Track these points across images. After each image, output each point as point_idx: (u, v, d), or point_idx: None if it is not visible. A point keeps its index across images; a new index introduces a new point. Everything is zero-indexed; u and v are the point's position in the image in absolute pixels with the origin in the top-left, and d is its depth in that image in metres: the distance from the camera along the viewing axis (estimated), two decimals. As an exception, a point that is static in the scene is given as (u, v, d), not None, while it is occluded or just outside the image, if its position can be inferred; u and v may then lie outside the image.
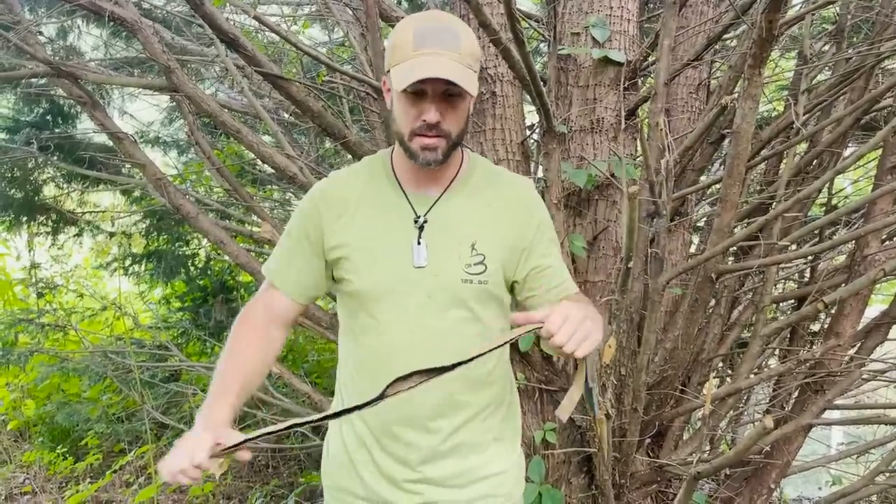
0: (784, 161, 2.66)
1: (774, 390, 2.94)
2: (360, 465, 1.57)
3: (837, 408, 2.46)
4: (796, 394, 2.64)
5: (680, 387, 2.73)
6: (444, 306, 1.49)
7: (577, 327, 1.19)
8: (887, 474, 2.53)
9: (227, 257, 3.73)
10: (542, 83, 2.19)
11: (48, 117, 4.81)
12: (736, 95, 2.14)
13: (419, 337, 1.49)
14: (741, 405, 3.32)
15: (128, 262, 5.20)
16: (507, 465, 1.62)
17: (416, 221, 1.50)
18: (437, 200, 1.52)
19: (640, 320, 2.46)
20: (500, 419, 1.62)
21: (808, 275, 3.24)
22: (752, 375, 2.41)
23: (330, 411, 1.44)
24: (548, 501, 2.35)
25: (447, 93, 1.36)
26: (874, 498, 3.51)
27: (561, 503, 2.34)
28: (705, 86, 3.19)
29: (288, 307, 1.57)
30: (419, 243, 1.48)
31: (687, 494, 2.19)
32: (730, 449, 2.72)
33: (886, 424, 2.39)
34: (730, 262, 2.91)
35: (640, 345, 2.24)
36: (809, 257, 3.10)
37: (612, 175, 2.72)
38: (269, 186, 5.23)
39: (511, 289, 1.58)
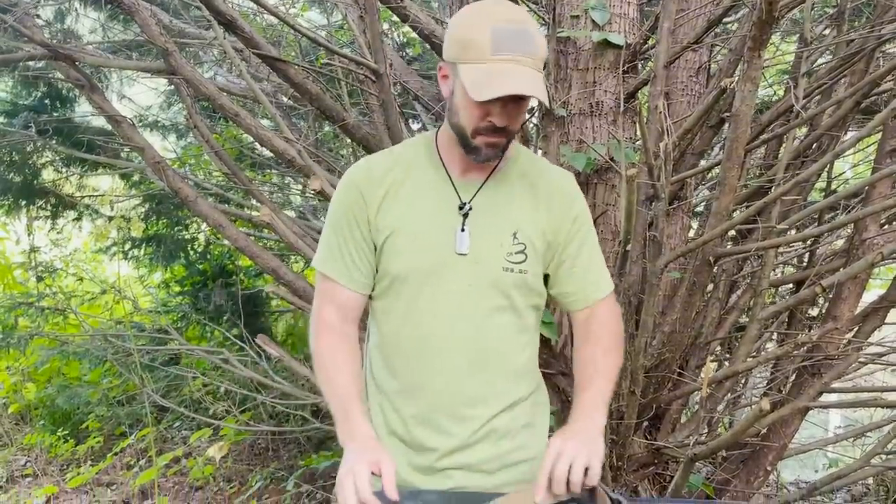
0: (783, 145, 2.66)
1: (772, 374, 2.95)
2: (390, 451, 1.52)
3: (835, 391, 2.47)
4: (793, 377, 2.65)
5: (678, 370, 2.74)
6: (484, 294, 1.49)
7: (568, 471, 1.27)
8: (884, 457, 2.55)
9: (226, 241, 3.73)
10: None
11: (46, 101, 4.79)
12: (736, 78, 2.13)
13: (455, 324, 1.49)
14: (739, 388, 3.33)
15: (127, 247, 5.21)
16: (536, 452, 1.61)
17: (461, 208, 1.49)
18: (480, 187, 1.51)
19: (638, 304, 2.46)
20: (530, 406, 1.62)
21: (807, 259, 3.24)
22: (749, 359, 2.42)
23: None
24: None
25: (517, 95, 1.35)
26: (870, 480, 3.53)
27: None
28: (705, 69, 3.17)
29: (356, 301, 1.55)
30: (463, 230, 1.48)
31: (684, 476, 2.21)
32: (727, 432, 2.73)
33: (882, 407, 2.41)
34: (728, 246, 2.92)
35: (638, 328, 2.25)
36: (808, 242, 3.10)
37: (611, 159, 2.72)
38: (269, 171, 5.22)
39: (545, 281, 1.58)
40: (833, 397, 3.20)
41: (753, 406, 2.23)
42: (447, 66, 1.43)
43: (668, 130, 2.00)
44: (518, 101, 1.38)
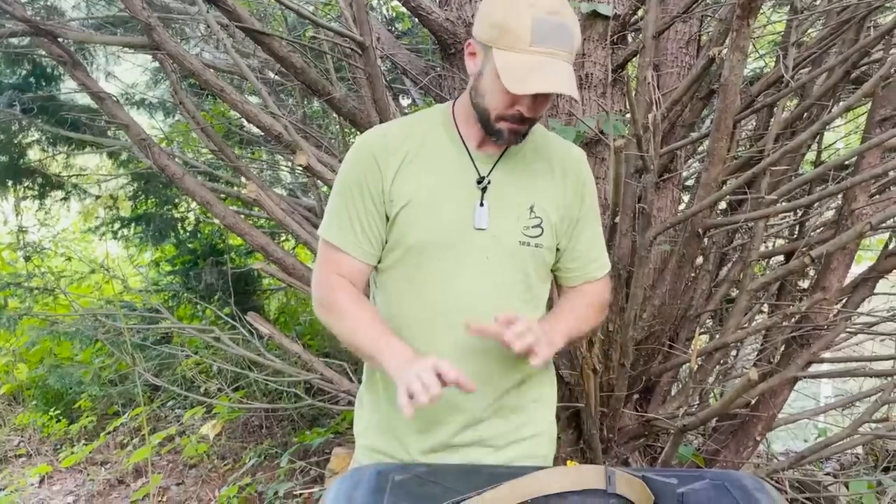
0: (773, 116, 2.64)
1: (763, 345, 2.96)
2: (401, 430, 1.55)
3: (824, 361, 2.48)
4: (783, 348, 2.66)
5: (668, 342, 2.75)
6: (500, 269, 1.48)
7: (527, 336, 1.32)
8: (873, 426, 2.56)
9: (216, 220, 3.71)
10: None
11: (31, 79, 4.72)
12: (724, 48, 2.11)
13: (469, 298, 1.48)
14: (732, 360, 3.35)
15: (116, 226, 5.17)
16: (544, 427, 1.63)
17: (479, 182, 1.48)
18: (497, 161, 1.50)
19: (627, 276, 2.46)
20: (538, 381, 1.63)
21: (797, 231, 3.24)
22: (739, 330, 2.42)
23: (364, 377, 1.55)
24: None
25: None
26: (860, 449, 3.57)
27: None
28: (696, 40, 3.15)
29: (359, 270, 1.52)
30: (482, 205, 1.47)
31: (673, 447, 2.23)
32: (717, 402, 2.74)
33: (869, 377, 2.42)
34: (719, 219, 2.91)
35: (628, 300, 2.25)
36: (799, 214, 3.10)
37: (601, 132, 2.70)
38: (258, 148, 5.18)
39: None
40: (825, 368, 3.23)
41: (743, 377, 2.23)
42: (477, 46, 1.41)
43: (656, 102, 1.98)
44: (548, 93, 1.37)
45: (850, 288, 2.77)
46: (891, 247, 2.73)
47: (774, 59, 3.11)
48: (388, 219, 1.48)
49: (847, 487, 2.95)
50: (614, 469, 1.32)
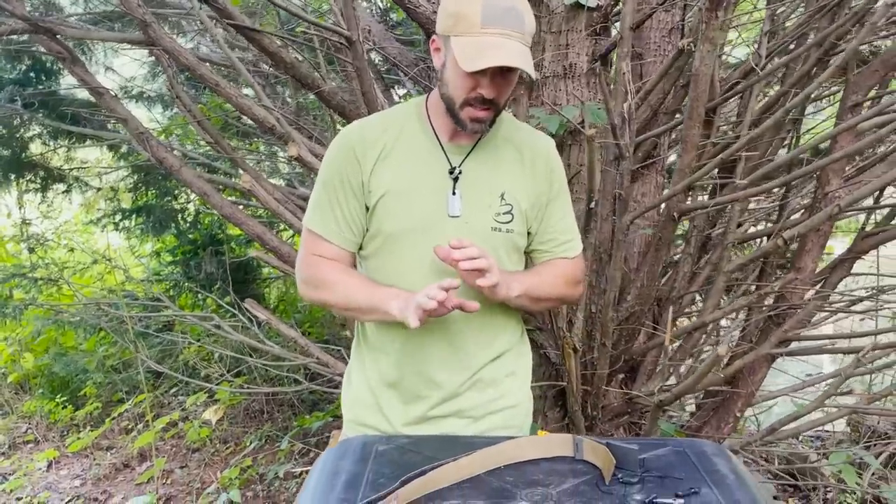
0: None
1: (745, 325, 3.06)
2: (385, 405, 1.66)
3: (798, 340, 2.57)
4: (761, 327, 2.75)
5: (652, 324, 2.84)
6: None
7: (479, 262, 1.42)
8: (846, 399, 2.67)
9: (215, 210, 3.80)
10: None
11: (32, 74, 4.80)
12: (691, 40, 2.20)
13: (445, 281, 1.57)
14: (719, 338, 3.44)
15: (118, 218, 5.26)
16: (519, 399, 1.73)
17: (451, 172, 1.57)
18: (469, 152, 1.59)
19: (609, 260, 2.55)
20: (514, 357, 1.73)
21: (777, 216, 3.32)
22: (717, 310, 2.52)
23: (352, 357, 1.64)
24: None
25: (504, 68, 1.42)
26: (844, 422, 3.67)
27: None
28: (678, 29, 3.22)
29: (340, 256, 1.62)
30: (454, 194, 1.56)
31: (652, 422, 2.33)
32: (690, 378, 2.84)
33: (833, 353, 2.52)
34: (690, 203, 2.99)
35: (607, 283, 2.34)
36: (779, 199, 3.18)
37: (582, 121, 2.78)
38: (256, 139, 5.27)
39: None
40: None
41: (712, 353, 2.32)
42: (439, 39, 1.50)
43: (630, 92, 2.07)
44: (505, 74, 1.46)
45: (829, 269, 2.87)
46: (867, 228, 2.82)
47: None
48: (367, 208, 1.58)
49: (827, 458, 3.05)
50: (581, 437, 1.42)
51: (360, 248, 1.65)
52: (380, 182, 1.56)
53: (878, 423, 3.53)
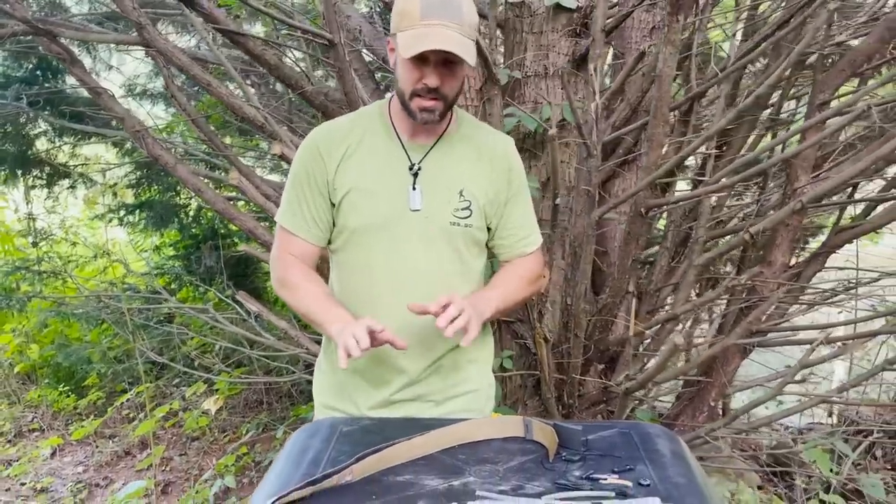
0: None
1: (723, 318, 3.14)
2: (352, 389, 1.77)
3: (769, 331, 2.65)
4: (734, 319, 2.84)
5: (630, 317, 2.93)
6: (434, 246, 1.68)
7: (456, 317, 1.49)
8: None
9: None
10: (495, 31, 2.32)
11: (37, 73, 4.92)
12: (652, 44, 2.27)
13: (406, 273, 1.67)
14: (690, 330, 3.52)
15: (122, 213, 5.39)
16: (480, 385, 1.84)
17: (410, 168, 1.67)
18: (429, 150, 1.69)
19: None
20: (475, 345, 1.81)
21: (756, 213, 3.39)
22: (687, 303, 2.60)
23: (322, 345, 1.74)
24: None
25: (447, 60, 1.53)
26: (822, 409, 3.74)
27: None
28: (659, 28, 3.29)
29: (309, 250, 1.73)
30: (414, 188, 1.66)
31: (621, 409, 2.42)
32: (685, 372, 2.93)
33: (793, 345, 2.60)
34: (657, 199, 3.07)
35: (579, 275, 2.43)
36: (756, 197, 3.26)
37: (562, 119, 2.87)
38: (256, 136, 5.36)
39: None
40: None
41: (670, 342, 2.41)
42: (392, 40, 1.60)
43: (596, 92, 2.15)
44: (449, 66, 1.55)
45: (804, 263, 2.95)
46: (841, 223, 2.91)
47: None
48: (334, 205, 1.69)
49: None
50: (531, 419, 1.52)
51: (330, 242, 1.75)
52: (344, 180, 1.66)
53: (857, 413, 3.60)
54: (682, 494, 1.26)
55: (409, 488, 1.31)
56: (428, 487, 1.31)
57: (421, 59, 1.52)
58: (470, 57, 1.51)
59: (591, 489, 1.28)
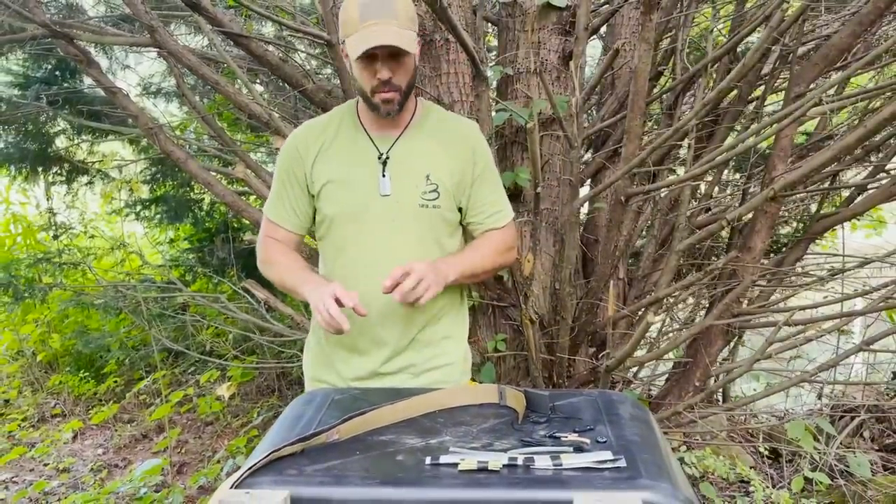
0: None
1: (710, 301, 3.27)
2: (338, 362, 1.94)
3: (743, 314, 2.78)
4: (716, 302, 2.96)
5: (618, 301, 3.07)
6: (407, 227, 1.84)
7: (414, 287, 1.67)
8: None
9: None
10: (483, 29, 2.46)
11: (56, 73, 5.11)
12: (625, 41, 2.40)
13: (383, 254, 1.84)
14: (673, 314, 3.65)
15: (138, 208, 5.58)
16: (454, 358, 2.00)
17: (379, 158, 1.84)
18: (396, 140, 1.86)
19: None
20: (450, 320, 1.99)
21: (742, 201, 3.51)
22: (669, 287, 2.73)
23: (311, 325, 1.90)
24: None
25: (392, 53, 1.70)
26: (808, 390, 3.85)
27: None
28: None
29: (289, 238, 1.94)
30: (384, 176, 1.83)
31: (604, 387, 2.56)
32: (666, 352, 3.07)
33: (769, 327, 2.73)
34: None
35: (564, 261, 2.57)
36: (742, 184, 3.38)
37: (552, 113, 3.00)
38: (266, 132, 5.52)
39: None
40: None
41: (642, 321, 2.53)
42: (344, 48, 1.77)
43: (577, 87, 2.29)
44: (396, 57, 1.72)
45: (789, 249, 3.08)
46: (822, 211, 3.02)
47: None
48: (314, 196, 1.88)
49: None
50: (504, 386, 1.67)
51: (316, 232, 1.94)
52: (321, 173, 1.85)
53: (843, 394, 3.71)
54: (636, 450, 1.40)
55: (390, 446, 1.46)
56: (407, 445, 1.46)
57: (370, 58, 1.70)
58: (410, 46, 1.69)
59: (553, 445, 1.42)
